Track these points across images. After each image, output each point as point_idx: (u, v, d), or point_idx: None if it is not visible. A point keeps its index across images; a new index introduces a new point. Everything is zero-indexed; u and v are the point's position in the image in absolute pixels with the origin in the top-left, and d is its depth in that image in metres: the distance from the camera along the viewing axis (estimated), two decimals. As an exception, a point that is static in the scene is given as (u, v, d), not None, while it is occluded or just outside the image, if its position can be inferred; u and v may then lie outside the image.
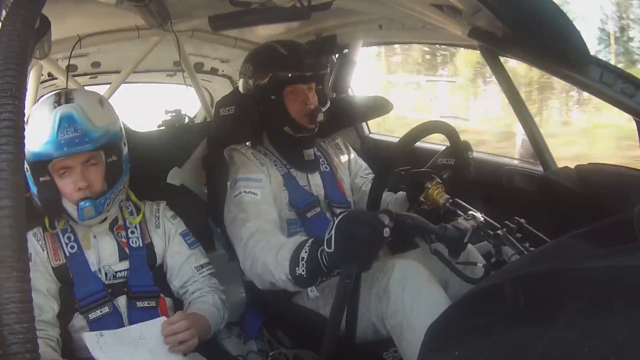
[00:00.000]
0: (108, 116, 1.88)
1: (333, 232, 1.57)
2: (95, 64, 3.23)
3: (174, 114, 3.72)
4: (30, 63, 1.01)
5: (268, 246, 1.94)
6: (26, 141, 1.70)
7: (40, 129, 1.76)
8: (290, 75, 2.28)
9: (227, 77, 3.95)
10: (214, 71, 3.81)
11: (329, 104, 2.40)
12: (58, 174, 1.82)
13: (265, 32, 3.13)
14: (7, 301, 0.83)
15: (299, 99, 2.31)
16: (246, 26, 2.74)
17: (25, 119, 1.79)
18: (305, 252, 1.73)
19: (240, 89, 2.47)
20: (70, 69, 2.86)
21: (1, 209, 0.86)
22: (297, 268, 1.75)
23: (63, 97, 1.83)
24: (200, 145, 2.84)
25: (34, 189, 1.83)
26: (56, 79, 3.11)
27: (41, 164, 1.79)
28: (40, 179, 1.80)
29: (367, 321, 1.95)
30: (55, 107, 1.78)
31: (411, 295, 1.82)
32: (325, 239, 1.60)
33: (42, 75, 2.93)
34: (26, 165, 1.78)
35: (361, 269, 1.63)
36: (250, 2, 2.23)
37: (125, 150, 1.95)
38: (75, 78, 3.05)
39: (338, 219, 1.58)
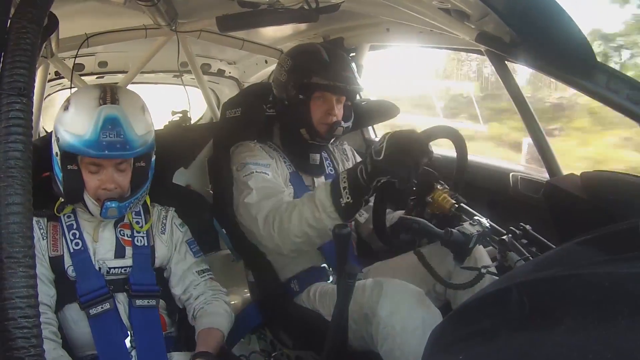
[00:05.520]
0: (147, 125, 1.88)
1: (385, 143, 1.70)
2: (102, 64, 3.24)
3: (180, 115, 3.72)
4: (37, 61, 1.02)
5: (292, 207, 1.99)
6: (64, 127, 1.76)
7: (81, 122, 1.76)
8: (322, 81, 2.28)
9: (233, 79, 3.95)
10: (220, 73, 3.82)
11: (352, 121, 2.41)
12: (87, 169, 1.83)
13: (272, 34, 3.13)
14: (12, 296, 0.84)
15: (324, 107, 2.31)
16: (253, 27, 2.75)
17: (65, 105, 1.82)
18: (344, 181, 1.84)
19: (272, 78, 2.48)
20: (77, 68, 2.87)
21: (9, 205, 0.87)
22: (341, 199, 1.83)
23: (109, 94, 1.82)
24: (206, 147, 2.84)
25: (59, 174, 1.84)
26: (63, 77, 3.12)
27: (73, 155, 1.80)
28: (69, 166, 1.82)
29: (358, 334, 1.96)
30: (100, 105, 1.78)
31: (401, 320, 1.81)
32: (374, 150, 1.72)
33: (49, 74, 2.94)
34: (56, 149, 1.81)
35: (402, 184, 1.69)
36: (258, 3, 2.24)
37: (153, 158, 1.96)
38: (82, 77, 3.06)
39: (390, 134, 1.72)
